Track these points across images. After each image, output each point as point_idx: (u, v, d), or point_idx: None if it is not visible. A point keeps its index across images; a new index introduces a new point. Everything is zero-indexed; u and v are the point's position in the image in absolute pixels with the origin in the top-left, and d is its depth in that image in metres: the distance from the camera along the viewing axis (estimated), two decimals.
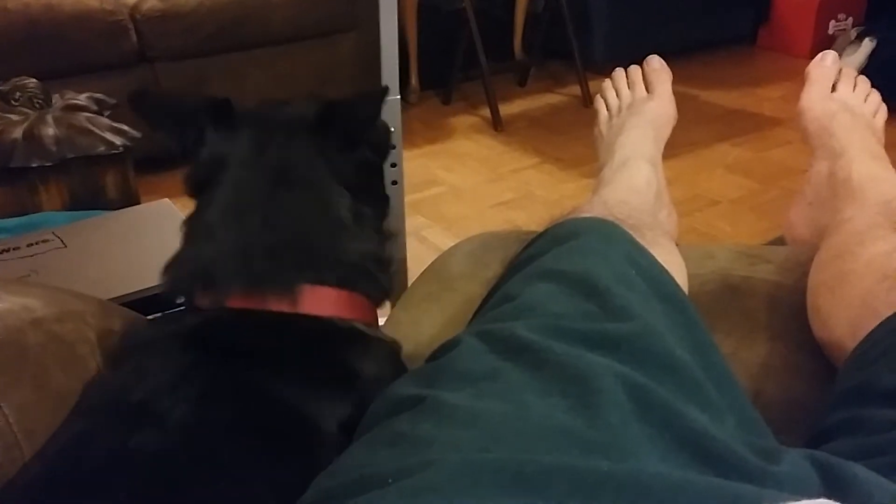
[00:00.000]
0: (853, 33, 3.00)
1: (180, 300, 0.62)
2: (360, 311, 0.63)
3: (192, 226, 0.65)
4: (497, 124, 2.81)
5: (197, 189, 0.66)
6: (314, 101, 0.69)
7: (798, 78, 0.99)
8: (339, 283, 0.61)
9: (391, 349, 0.66)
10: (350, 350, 0.60)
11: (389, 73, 1.29)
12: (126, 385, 0.54)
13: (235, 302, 0.58)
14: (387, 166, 1.16)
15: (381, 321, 0.72)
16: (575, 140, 2.63)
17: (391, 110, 1.29)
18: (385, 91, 0.70)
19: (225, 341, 0.57)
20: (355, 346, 0.61)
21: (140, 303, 1.10)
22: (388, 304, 0.70)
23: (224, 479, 0.49)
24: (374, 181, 0.73)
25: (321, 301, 0.60)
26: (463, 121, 2.90)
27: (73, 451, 0.51)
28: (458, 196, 2.36)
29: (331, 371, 0.58)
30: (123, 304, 0.81)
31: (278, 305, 0.58)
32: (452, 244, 0.92)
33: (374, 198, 0.69)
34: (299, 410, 0.54)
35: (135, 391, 0.53)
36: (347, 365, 0.59)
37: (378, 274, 0.65)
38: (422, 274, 0.88)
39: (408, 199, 1.43)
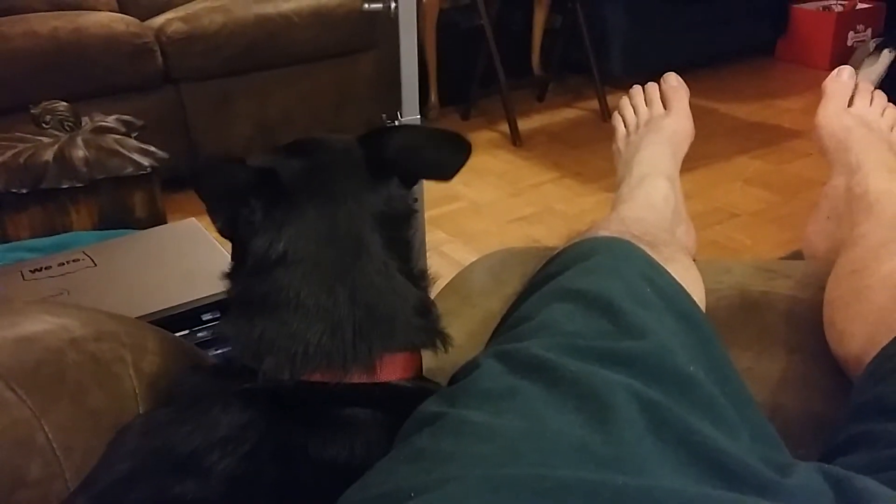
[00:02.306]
0: (872, 45, 2.99)
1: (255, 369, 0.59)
2: (419, 368, 0.63)
3: (261, 297, 0.60)
4: (516, 139, 2.83)
5: (253, 274, 0.62)
6: (355, 152, 0.66)
7: (817, 90, 0.99)
8: (408, 347, 0.61)
9: None
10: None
11: (409, 90, 1.31)
12: (180, 435, 0.54)
13: (315, 376, 0.58)
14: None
15: None
16: (594, 154, 2.64)
17: None
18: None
19: (290, 406, 0.56)
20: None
21: (168, 320, 1.13)
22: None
23: None
24: (408, 225, 0.69)
25: (394, 367, 0.60)
26: (482, 136, 2.92)
27: (117, 491, 0.52)
28: (477, 211, 2.37)
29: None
30: (152, 322, 0.84)
31: (358, 378, 0.58)
32: (472, 259, 0.93)
33: (406, 236, 0.67)
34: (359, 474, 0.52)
35: (187, 442, 0.53)
36: None
37: (435, 326, 0.65)
38: (442, 289, 0.89)
39: (428, 214, 1.45)
